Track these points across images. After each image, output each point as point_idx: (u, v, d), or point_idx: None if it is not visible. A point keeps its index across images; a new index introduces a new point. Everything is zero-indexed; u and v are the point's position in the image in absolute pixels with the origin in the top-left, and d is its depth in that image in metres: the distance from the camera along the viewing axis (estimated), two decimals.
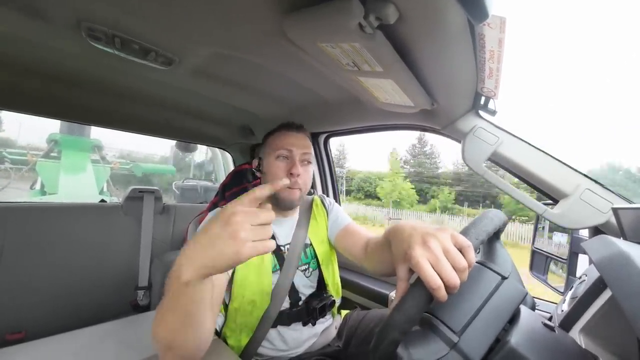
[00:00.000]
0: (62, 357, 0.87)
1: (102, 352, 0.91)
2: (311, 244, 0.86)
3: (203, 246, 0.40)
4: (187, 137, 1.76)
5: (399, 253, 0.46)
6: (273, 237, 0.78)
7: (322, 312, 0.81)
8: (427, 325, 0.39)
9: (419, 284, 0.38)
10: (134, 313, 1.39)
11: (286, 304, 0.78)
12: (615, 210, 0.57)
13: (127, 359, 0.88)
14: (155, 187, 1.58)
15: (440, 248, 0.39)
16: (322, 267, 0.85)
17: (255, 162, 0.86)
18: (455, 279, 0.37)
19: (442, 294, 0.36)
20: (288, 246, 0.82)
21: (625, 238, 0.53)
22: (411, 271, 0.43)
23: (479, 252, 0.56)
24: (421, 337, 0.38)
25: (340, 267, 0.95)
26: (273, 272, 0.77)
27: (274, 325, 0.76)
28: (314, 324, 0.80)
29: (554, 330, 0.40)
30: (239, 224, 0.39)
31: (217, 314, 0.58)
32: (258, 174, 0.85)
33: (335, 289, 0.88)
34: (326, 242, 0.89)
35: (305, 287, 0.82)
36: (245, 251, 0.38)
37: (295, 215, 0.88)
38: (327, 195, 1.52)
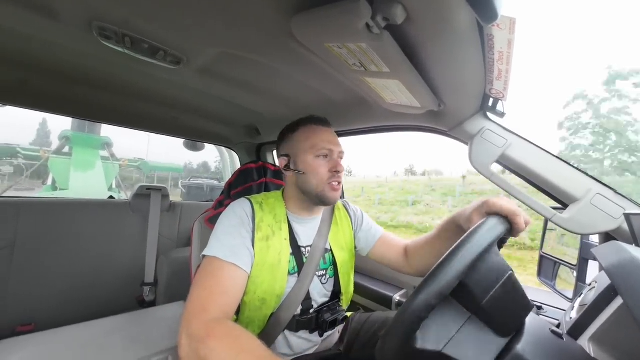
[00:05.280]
0: (70, 348, 0.89)
1: (109, 345, 0.93)
2: (331, 250, 0.84)
3: None
4: (194, 136, 1.78)
5: (470, 214, 0.62)
6: (294, 237, 0.79)
7: (332, 326, 0.78)
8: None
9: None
10: (140, 308, 1.42)
11: (297, 310, 0.76)
12: (627, 216, 0.55)
13: (132, 352, 0.90)
14: (163, 185, 1.61)
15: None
16: (340, 275, 0.83)
17: (283, 161, 0.80)
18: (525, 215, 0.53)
19: (520, 220, 0.51)
20: (309, 248, 0.80)
21: (637, 245, 0.52)
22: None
23: None
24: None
25: None
26: (290, 274, 0.75)
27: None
28: (321, 335, 0.79)
29: (562, 338, 0.39)
30: None
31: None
32: (289, 174, 0.79)
33: (347, 299, 0.86)
34: (346, 250, 0.87)
35: (320, 295, 0.80)
36: None
37: (319, 216, 0.86)
38: None
